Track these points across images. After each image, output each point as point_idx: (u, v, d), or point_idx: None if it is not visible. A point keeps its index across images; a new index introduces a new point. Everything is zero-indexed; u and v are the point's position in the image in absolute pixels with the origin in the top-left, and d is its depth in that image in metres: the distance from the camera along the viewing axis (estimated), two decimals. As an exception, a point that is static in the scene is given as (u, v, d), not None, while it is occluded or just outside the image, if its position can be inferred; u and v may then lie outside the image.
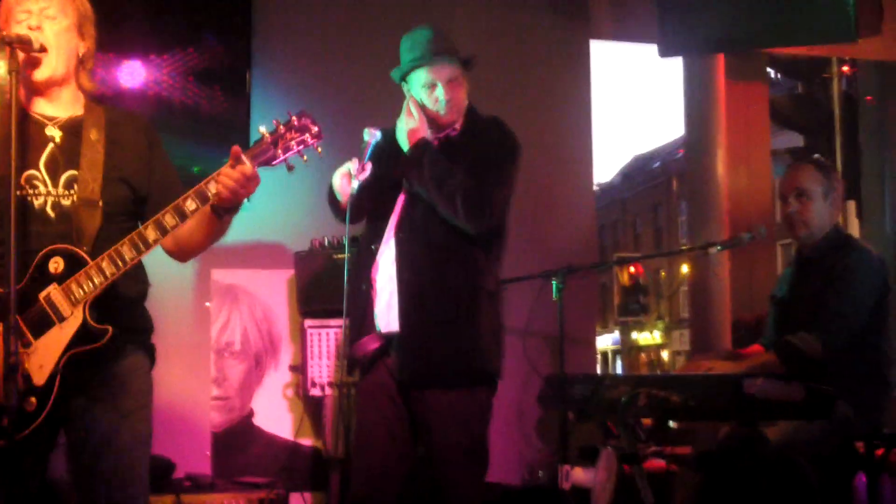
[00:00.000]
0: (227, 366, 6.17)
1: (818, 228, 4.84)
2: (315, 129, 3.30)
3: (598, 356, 7.95)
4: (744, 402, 4.17)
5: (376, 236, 4.31)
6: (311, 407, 5.98)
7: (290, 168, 3.32)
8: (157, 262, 3.49)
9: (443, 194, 4.18)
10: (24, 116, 3.31)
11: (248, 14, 6.27)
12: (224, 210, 3.33)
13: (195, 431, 6.03)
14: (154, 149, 3.55)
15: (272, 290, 6.24)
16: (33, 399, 3.12)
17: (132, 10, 6.07)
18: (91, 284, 3.20)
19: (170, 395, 5.90)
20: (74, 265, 3.21)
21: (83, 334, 3.20)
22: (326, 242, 5.87)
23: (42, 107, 3.40)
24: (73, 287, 3.19)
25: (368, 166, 4.06)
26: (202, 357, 6.14)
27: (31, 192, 3.28)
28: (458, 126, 4.44)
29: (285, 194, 5.68)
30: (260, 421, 6.16)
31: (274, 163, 3.30)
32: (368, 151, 4.10)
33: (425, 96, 4.36)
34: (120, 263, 3.21)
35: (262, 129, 3.30)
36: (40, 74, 3.32)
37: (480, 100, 6.24)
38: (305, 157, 3.29)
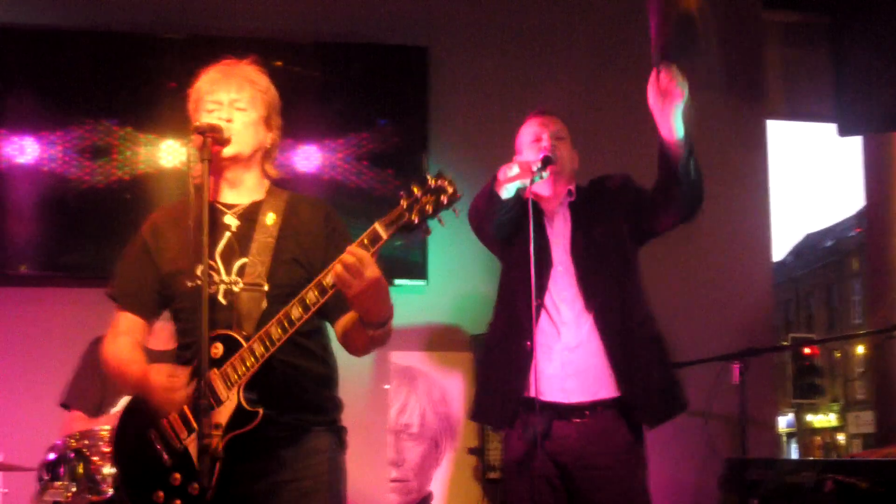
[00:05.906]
0: (404, 448, 6.21)
1: None
2: (451, 189, 3.05)
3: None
4: (937, 488, 4.05)
5: (537, 292, 4.16)
6: (489, 490, 5.97)
7: (426, 231, 3.11)
8: (337, 346, 3.50)
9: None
10: (208, 206, 3.30)
11: (424, 97, 6.33)
12: (367, 322, 3.25)
13: (374, 513, 6.08)
14: (335, 235, 3.48)
15: (450, 372, 6.28)
16: (195, 485, 3.15)
17: (308, 95, 6.21)
18: (244, 367, 3.20)
19: (348, 477, 5.96)
20: (232, 349, 3.23)
21: (238, 417, 3.20)
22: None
23: (224, 194, 3.44)
24: (229, 370, 3.20)
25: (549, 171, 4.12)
26: (380, 439, 6.20)
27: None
28: (573, 190, 4.44)
29: (462, 278, 5.75)
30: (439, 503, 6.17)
31: (413, 230, 3.09)
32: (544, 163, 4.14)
33: (531, 151, 4.34)
34: (268, 343, 3.18)
35: (402, 195, 3.10)
36: (226, 153, 3.34)
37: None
38: (443, 222, 3.06)
